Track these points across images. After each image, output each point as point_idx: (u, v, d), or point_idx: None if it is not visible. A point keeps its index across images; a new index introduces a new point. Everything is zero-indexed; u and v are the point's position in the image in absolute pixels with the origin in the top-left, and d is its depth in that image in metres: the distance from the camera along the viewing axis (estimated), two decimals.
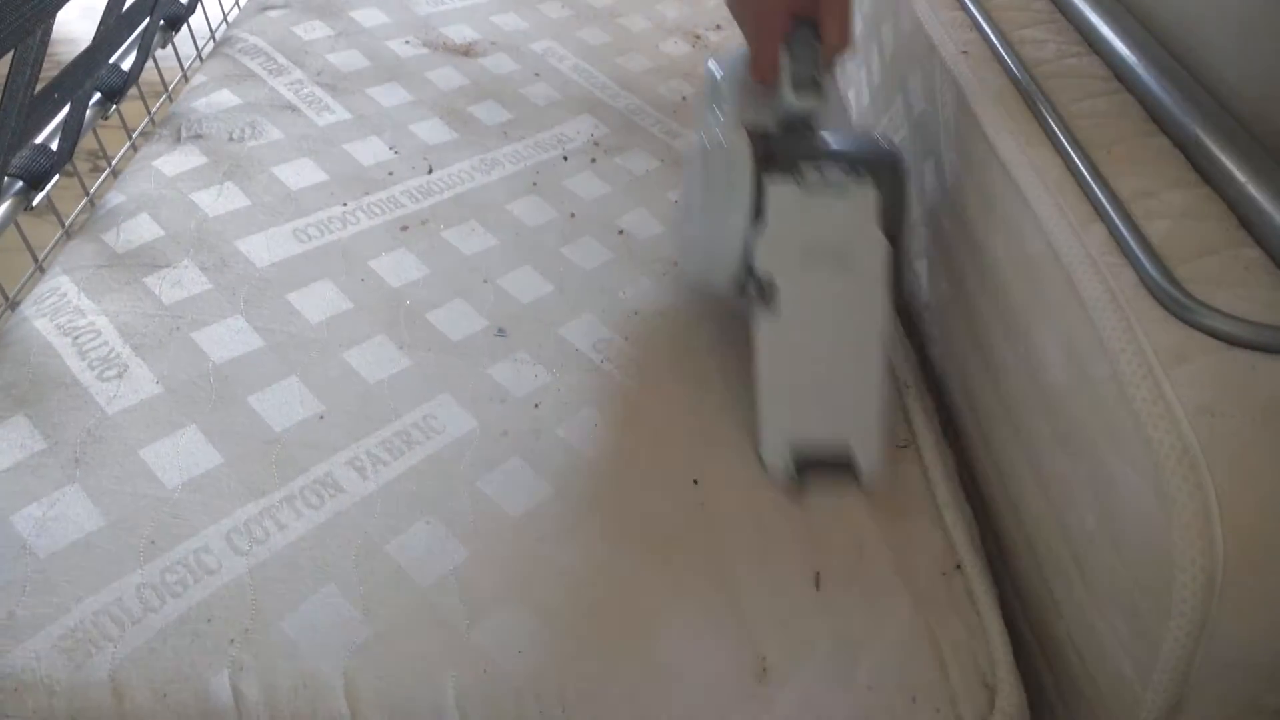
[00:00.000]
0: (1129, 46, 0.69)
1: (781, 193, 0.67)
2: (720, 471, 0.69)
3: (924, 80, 0.83)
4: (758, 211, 0.67)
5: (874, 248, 0.67)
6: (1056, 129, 0.65)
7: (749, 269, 0.68)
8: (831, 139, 0.70)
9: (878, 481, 0.68)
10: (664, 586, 0.61)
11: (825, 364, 0.68)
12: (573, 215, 0.91)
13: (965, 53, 0.76)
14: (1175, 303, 0.51)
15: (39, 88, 0.70)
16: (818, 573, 0.63)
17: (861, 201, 0.67)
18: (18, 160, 0.75)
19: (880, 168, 0.68)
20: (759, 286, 0.67)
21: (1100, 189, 0.59)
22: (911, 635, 0.60)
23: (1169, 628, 0.47)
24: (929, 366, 0.85)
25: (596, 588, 0.61)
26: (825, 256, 0.67)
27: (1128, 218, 0.57)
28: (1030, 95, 0.69)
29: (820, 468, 0.68)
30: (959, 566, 0.65)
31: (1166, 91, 0.65)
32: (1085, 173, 0.61)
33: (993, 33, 0.76)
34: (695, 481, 0.68)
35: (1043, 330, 0.60)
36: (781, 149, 0.68)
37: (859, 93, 1.07)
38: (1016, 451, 0.65)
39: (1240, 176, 0.56)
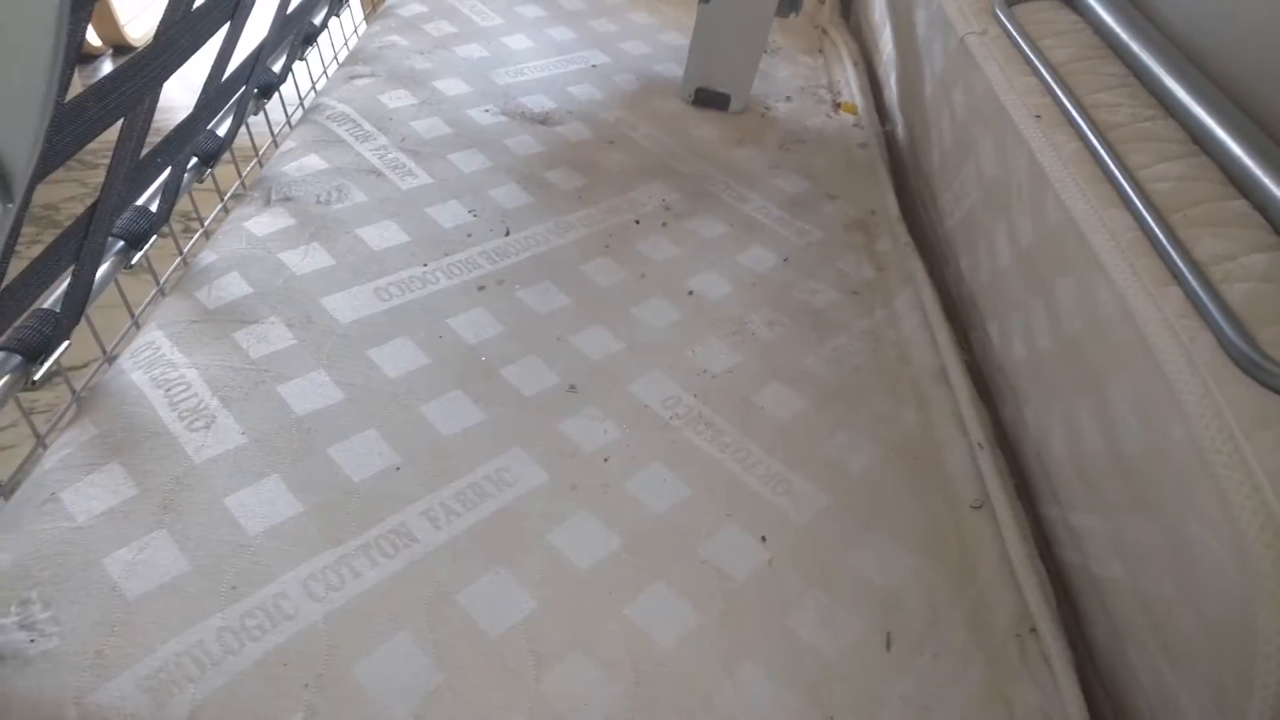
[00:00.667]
0: (1206, 110, 0.69)
1: None
2: (787, 529, 0.69)
3: (995, 144, 0.84)
4: None
5: None
6: (1131, 192, 0.65)
7: None
8: None
9: (741, 107, 1.23)
10: (732, 642, 0.61)
11: (728, 42, 1.18)
12: (643, 276, 0.93)
13: (1038, 117, 0.76)
14: (1256, 367, 0.50)
15: (143, 153, 0.74)
16: (888, 633, 0.62)
17: None
18: (120, 221, 0.80)
19: None
20: None
21: (1176, 252, 0.58)
22: (984, 698, 0.59)
23: (1252, 703, 0.46)
24: (1002, 427, 0.84)
25: (664, 641, 0.61)
26: None
27: (1205, 281, 0.56)
28: (1103, 159, 0.69)
29: (711, 99, 1.23)
30: (1034, 630, 0.63)
31: (1246, 154, 0.64)
32: (1161, 235, 0.60)
33: (1065, 97, 0.76)
34: (763, 539, 0.68)
35: (1117, 392, 0.60)
36: None
37: (929, 158, 1.07)
38: (1091, 514, 0.64)
39: None
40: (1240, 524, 0.46)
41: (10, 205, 0.39)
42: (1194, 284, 0.56)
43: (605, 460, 0.73)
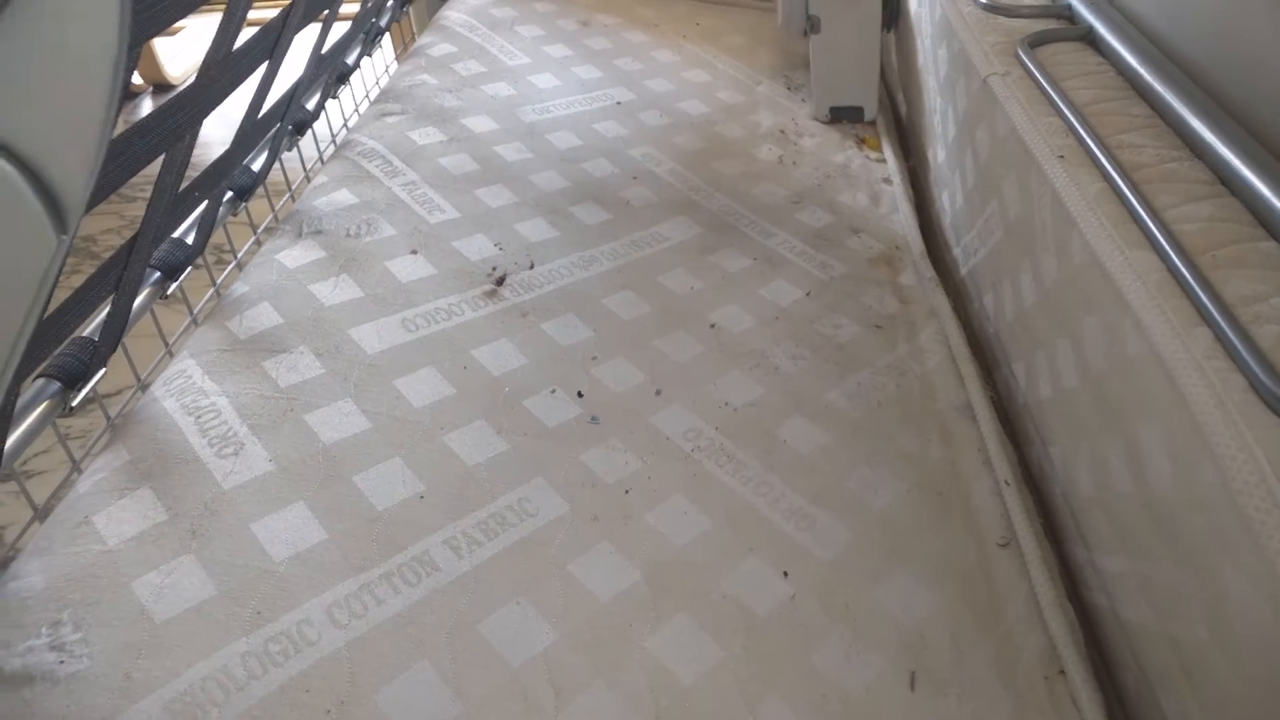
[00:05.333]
0: (1233, 151, 0.69)
1: None
2: (810, 565, 0.68)
3: (1020, 184, 0.84)
4: None
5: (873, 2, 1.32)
6: (1157, 232, 0.64)
7: (807, 14, 1.33)
8: None
9: (873, 116, 1.36)
10: (754, 678, 0.61)
11: (845, 62, 1.34)
12: (666, 310, 0.93)
13: (1061, 157, 0.77)
14: None
15: (181, 187, 0.76)
16: (913, 671, 0.62)
17: None
18: (157, 253, 0.81)
19: None
20: (809, 21, 1.33)
21: (1205, 293, 0.58)
22: None
23: None
24: (1027, 466, 0.83)
25: (685, 676, 0.61)
26: (846, 4, 1.30)
27: (1235, 322, 0.56)
28: (1129, 199, 0.69)
29: (844, 113, 1.36)
30: (1062, 672, 0.63)
31: (1274, 195, 0.64)
32: (1189, 276, 0.60)
33: (1089, 137, 0.76)
34: (785, 574, 0.68)
35: (1146, 434, 0.59)
36: None
37: (953, 196, 1.08)
38: (1120, 557, 0.64)
39: None
40: (1276, 568, 0.45)
41: (64, 237, 0.40)
42: (1223, 325, 0.56)
43: (626, 492, 0.73)
